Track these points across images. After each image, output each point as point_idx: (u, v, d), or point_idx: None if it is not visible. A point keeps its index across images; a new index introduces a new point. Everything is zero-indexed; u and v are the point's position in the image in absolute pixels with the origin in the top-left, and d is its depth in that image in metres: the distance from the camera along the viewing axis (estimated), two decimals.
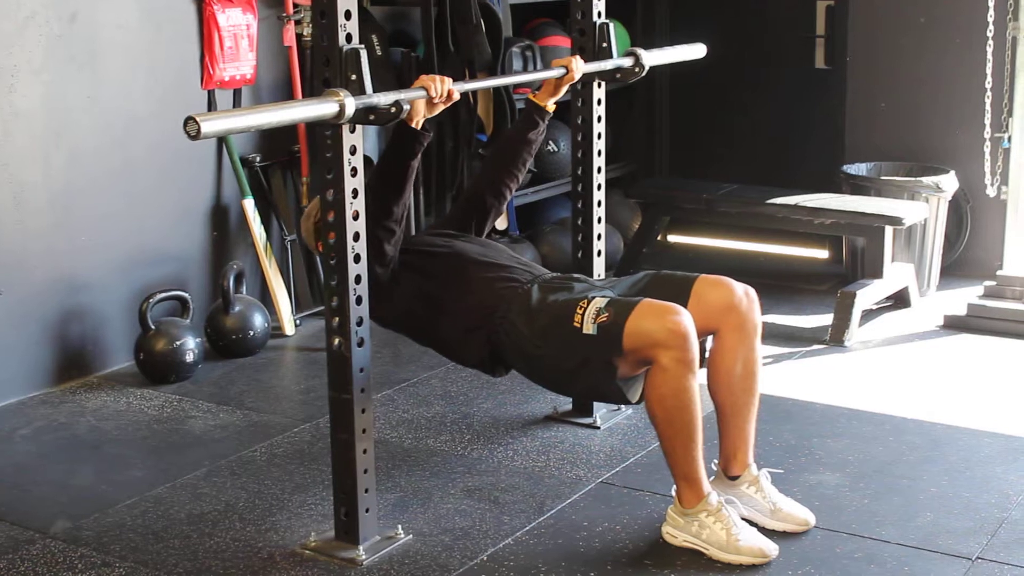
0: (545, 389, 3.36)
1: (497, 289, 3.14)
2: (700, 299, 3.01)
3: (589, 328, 2.89)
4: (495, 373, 3.25)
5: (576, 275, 3.31)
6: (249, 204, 4.60)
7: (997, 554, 2.90)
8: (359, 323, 2.84)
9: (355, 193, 2.79)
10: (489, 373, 3.25)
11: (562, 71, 3.38)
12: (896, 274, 4.87)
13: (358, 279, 2.83)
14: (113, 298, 4.29)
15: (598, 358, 2.91)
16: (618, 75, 3.62)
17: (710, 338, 3.05)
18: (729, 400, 3.06)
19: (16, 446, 3.68)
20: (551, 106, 3.45)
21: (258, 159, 4.68)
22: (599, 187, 3.73)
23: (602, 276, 3.65)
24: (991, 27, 4.66)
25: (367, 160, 3.05)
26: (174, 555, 2.97)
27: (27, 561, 2.94)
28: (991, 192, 4.86)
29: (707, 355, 3.05)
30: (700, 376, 2.88)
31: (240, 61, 4.53)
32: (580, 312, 2.92)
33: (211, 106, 4.50)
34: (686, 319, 2.82)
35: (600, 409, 3.78)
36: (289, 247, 4.80)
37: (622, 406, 3.82)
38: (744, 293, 3.04)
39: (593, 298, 2.95)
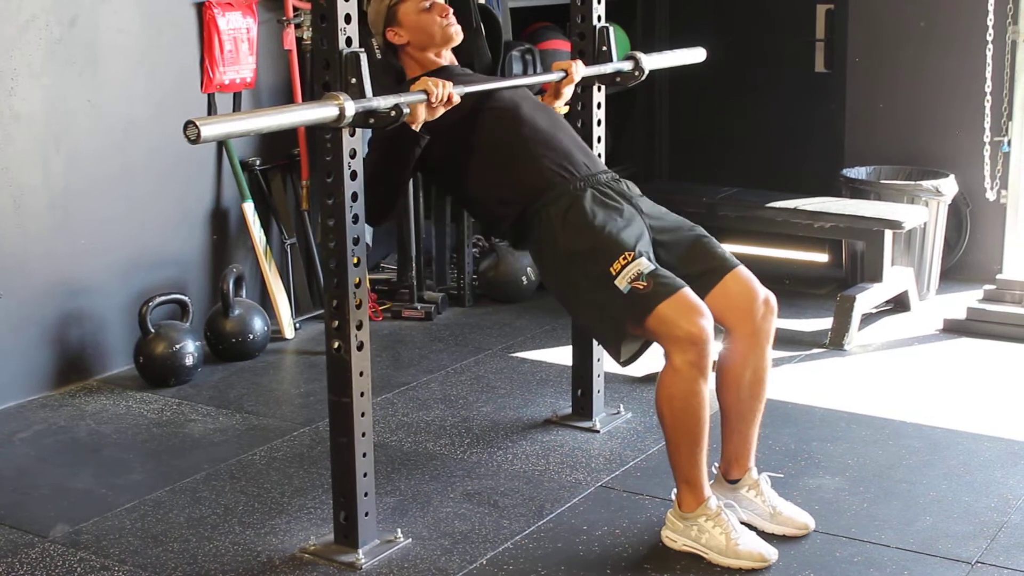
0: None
1: (547, 173, 3.08)
2: (725, 291, 2.99)
3: (622, 283, 2.85)
4: (516, 246, 3.23)
5: (630, 191, 3.19)
6: (249, 207, 4.60)
7: (996, 558, 2.90)
8: (359, 327, 2.84)
9: (355, 196, 2.79)
10: (512, 244, 3.23)
11: (562, 74, 3.38)
12: (896, 278, 4.88)
13: (358, 283, 2.83)
14: (113, 301, 4.29)
15: (615, 312, 2.89)
16: (618, 79, 3.62)
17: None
18: (735, 405, 3.05)
19: (15, 449, 3.68)
20: (561, 108, 3.44)
21: (258, 162, 4.68)
22: None
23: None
24: (991, 31, 4.66)
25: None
26: (173, 559, 2.96)
27: (26, 565, 2.93)
28: (991, 196, 4.86)
29: (717, 358, 3.03)
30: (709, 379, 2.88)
31: (240, 65, 4.54)
32: (623, 262, 2.88)
33: (211, 110, 4.51)
34: (709, 325, 2.81)
35: (600, 413, 3.78)
36: (289, 250, 4.80)
37: (621, 409, 3.84)
38: (764, 302, 3.00)
39: (640, 256, 2.90)
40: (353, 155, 2.77)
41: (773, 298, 3.03)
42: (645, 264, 2.88)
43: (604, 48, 3.60)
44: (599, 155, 3.69)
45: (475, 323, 4.89)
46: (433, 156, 3.12)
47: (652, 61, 3.65)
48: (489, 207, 3.19)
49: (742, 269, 3.04)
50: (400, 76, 3.28)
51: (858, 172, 5.31)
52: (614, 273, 2.87)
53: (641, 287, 2.84)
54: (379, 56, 3.87)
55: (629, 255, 2.89)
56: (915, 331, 4.71)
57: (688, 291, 2.85)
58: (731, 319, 3.00)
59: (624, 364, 3.01)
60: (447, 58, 3.29)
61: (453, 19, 3.24)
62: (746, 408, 3.05)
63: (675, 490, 2.96)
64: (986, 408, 3.88)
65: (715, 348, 2.88)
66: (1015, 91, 4.67)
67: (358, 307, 2.83)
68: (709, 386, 2.85)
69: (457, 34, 3.24)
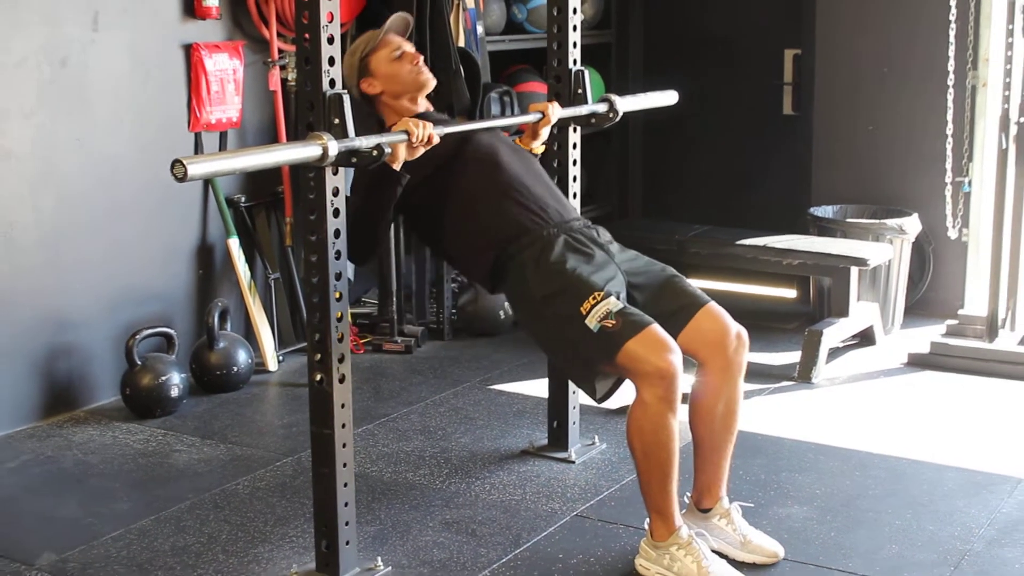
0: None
1: (522, 220, 3.13)
2: (698, 327, 3.04)
3: (592, 323, 2.90)
4: (493, 291, 3.26)
5: (602, 238, 3.23)
6: (234, 243, 4.64)
7: None
8: (340, 360, 2.87)
9: (337, 233, 2.83)
10: (488, 290, 3.26)
11: (538, 116, 3.43)
12: (861, 313, 4.93)
13: (340, 317, 2.86)
14: (100, 335, 4.32)
15: (587, 351, 2.94)
16: (593, 120, 3.67)
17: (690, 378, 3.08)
18: (708, 437, 3.08)
19: (3, 479, 3.69)
20: (537, 148, 3.50)
21: (243, 200, 4.72)
22: None
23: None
24: (951, 76, 4.75)
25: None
26: None
27: None
28: (952, 234, 4.93)
29: (690, 389, 3.07)
30: (681, 411, 2.91)
31: (226, 105, 4.60)
32: (592, 302, 2.92)
33: (198, 148, 4.55)
34: (677, 360, 2.85)
35: (575, 444, 3.82)
36: (272, 285, 4.83)
37: (596, 440, 3.89)
38: (736, 336, 3.06)
39: (610, 295, 2.95)
40: (336, 193, 2.82)
41: (745, 332, 3.09)
42: (614, 303, 2.93)
43: (580, 91, 3.65)
44: (574, 195, 3.75)
45: (454, 356, 4.93)
46: (414, 202, 3.18)
47: (626, 103, 3.70)
48: (465, 254, 3.24)
49: (713, 305, 3.10)
50: (381, 126, 3.35)
51: (825, 211, 5.38)
52: (584, 313, 2.92)
53: (610, 325, 2.89)
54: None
55: (598, 295, 2.94)
56: (880, 365, 4.76)
57: (656, 327, 2.90)
58: (704, 354, 3.05)
59: (600, 401, 3.06)
60: (423, 104, 3.34)
61: (424, 67, 3.30)
62: (719, 440, 3.08)
63: (648, 519, 2.99)
64: (949, 439, 3.93)
65: (686, 381, 2.92)
66: (975, 133, 4.77)
67: (340, 340, 2.86)
68: (679, 418, 2.88)
69: (429, 80, 3.30)
